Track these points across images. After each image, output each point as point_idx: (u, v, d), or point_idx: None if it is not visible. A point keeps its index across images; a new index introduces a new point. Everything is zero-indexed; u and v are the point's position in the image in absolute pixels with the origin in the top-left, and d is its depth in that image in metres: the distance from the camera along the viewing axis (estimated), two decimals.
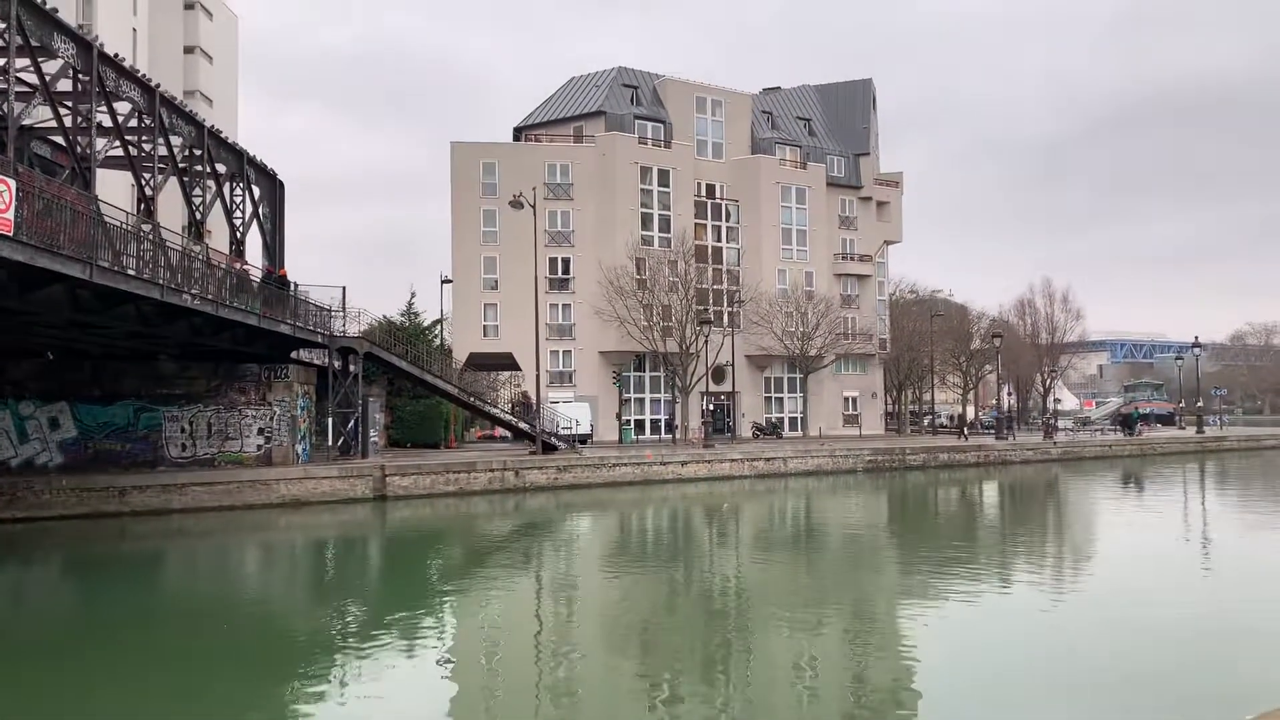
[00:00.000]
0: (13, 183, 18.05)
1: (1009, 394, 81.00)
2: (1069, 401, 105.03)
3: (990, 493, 40.53)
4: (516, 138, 60.69)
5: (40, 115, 26.41)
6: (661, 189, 57.73)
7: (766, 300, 58.40)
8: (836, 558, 23.91)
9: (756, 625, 16.01)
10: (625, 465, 39.90)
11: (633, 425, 55.72)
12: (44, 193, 19.94)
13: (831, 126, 67.62)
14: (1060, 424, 73.39)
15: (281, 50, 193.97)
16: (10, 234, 17.79)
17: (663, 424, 56.72)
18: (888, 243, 69.12)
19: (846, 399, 65.87)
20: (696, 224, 59.18)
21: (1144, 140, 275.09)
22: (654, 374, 57.08)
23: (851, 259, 65.67)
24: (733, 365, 55.26)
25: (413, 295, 53.62)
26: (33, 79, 22.24)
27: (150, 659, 14.04)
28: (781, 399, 62.88)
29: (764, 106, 65.83)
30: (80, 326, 25.49)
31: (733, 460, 43.09)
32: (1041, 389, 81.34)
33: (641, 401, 57.80)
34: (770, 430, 59.67)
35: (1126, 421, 66.39)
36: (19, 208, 18.01)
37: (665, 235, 56.79)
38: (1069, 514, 32.96)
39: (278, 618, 17.78)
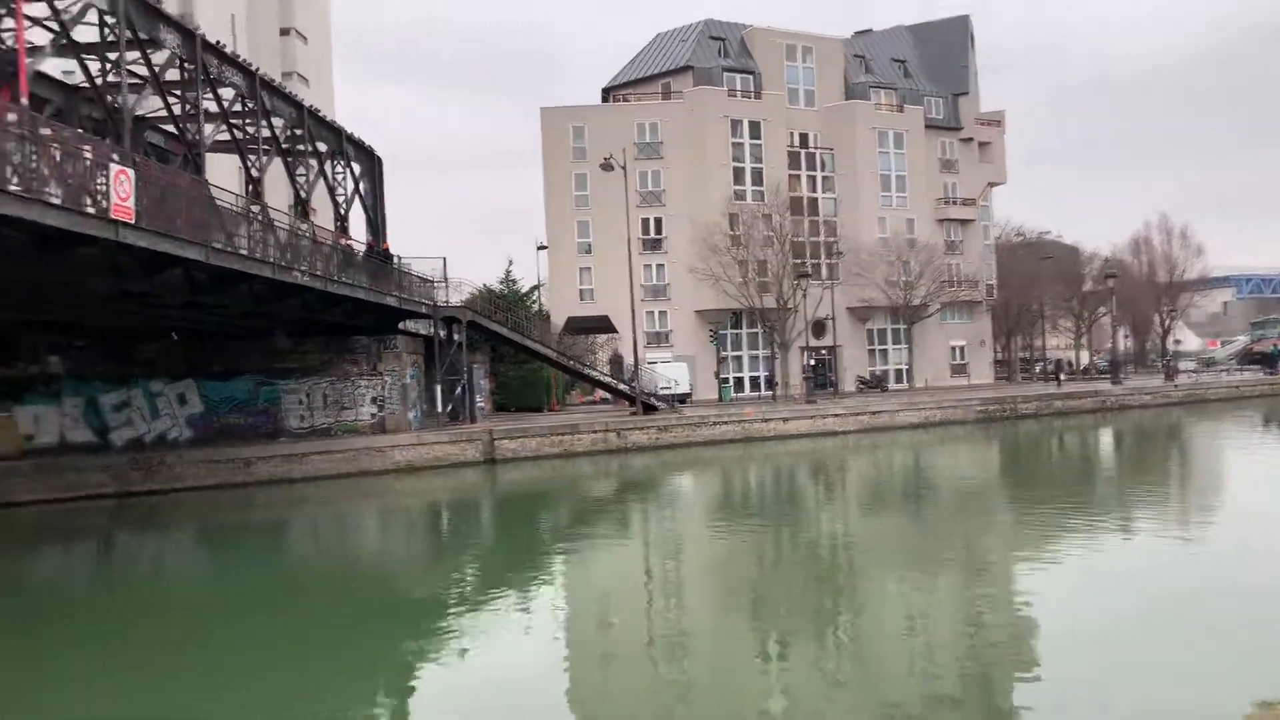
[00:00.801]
0: (132, 172, 18.90)
1: (1125, 336, 77.59)
2: (1191, 341, 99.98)
3: (1106, 440, 39.03)
4: (605, 99, 60.43)
5: (151, 105, 27.47)
6: (753, 141, 56.73)
7: (866, 250, 57.02)
8: (947, 511, 23.43)
9: (867, 579, 15.85)
10: (726, 423, 39.81)
11: (731, 383, 55.43)
12: (160, 180, 20.83)
13: (928, 67, 65.14)
14: (1182, 365, 70.00)
15: (365, 26, 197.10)
16: (133, 221, 18.67)
17: (762, 381, 56.34)
18: (991, 185, 66.58)
19: (953, 348, 64.11)
20: (790, 175, 58.01)
21: (1267, 64, 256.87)
22: (751, 331, 56.61)
23: (954, 203, 63.49)
24: (833, 318, 54.37)
25: (510, 263, 54.51)
26: (143, 71, 23.16)
27: (288, 619, 14.77)
28: (885, 351, 61.63)
29: (856, 50, 63.76)
30: (197, 307, 26.66)
31: (836, 415, 42.53)
32: (1161, 330, 77.66)
33: (740, 359, 57.45)
34: (875, 383, 58.62)
35: (1266, 359, 62.80)
36: (139, 196, 18.86)
37: (758, 189, 55.88)
38: (1192, 461, 31.49)
39: (400, 579, 18.45)
